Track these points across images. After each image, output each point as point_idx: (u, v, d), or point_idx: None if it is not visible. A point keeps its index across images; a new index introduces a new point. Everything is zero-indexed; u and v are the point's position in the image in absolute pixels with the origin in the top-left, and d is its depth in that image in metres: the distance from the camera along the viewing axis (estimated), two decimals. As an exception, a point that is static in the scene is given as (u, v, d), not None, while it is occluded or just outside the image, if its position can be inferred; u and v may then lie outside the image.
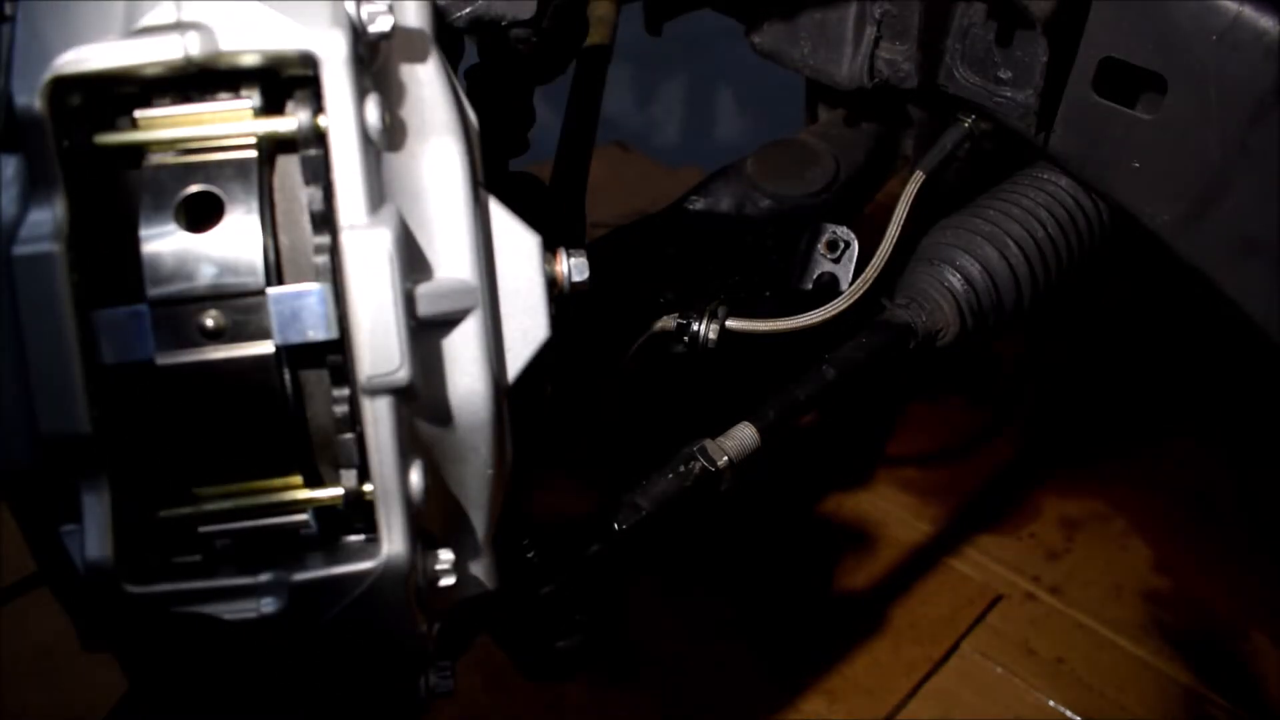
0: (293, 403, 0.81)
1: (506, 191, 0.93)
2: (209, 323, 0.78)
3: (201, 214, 0.79)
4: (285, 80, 0.81)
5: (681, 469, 1.25)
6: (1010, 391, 2.44)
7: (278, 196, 0.81)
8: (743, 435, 1.29)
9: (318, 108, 0.78)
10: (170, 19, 0.77)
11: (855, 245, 1.49)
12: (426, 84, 0.87)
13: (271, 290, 0.79)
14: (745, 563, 2.07)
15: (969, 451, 2.30)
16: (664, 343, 1.43)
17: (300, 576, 0.80)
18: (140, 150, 0.80)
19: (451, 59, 1.05)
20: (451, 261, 0.85)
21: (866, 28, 1.49)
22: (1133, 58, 1.27)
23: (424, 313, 0.81)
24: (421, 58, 0.87)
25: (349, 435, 0.81)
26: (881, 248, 1.44)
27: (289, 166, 0.81)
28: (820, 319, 1.38)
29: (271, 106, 0.81)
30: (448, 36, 1.20)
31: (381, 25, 0.81)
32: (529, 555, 1.18)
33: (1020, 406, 2.40)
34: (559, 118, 1.58)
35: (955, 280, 1.48)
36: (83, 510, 0.77)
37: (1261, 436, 2.23)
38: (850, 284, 1.44)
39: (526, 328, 0.91)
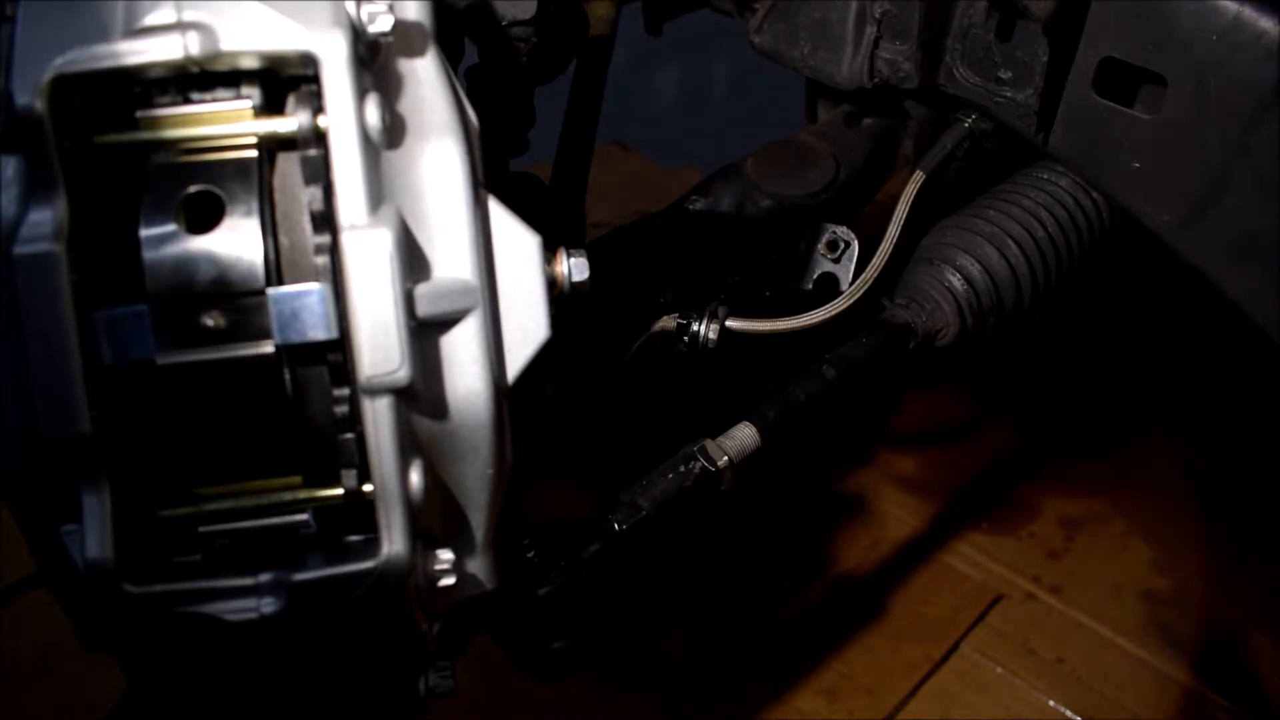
0: (293, 403, 0.81)
1: (506, 191, 0.92)
2: (209, 323, 0.78)
3: (202, 214, 0.79)
4: (286, 80, 0.81)
5: (681, 469, 1.25)
6: (1009, 386, 2.43)
7: (278, 196, 0.81)
8: (743, 435, 1.29)
9: (318, 108, 0.78)
10: (171, 19, 0.77)
11: (855, 245, 1.49)
12: (426, 83, 0.87)
13: (272, 290, 0.79)
14: (745, 562, 2.07)
15: (967, 444, 2.29)
16: (664, 343, 1.43)
17: (300, 576, 0.80)
18: (141, 150, 0.80)
19: (451, 59, 1.05)
20: (451, 261, 0.85)
21: (866, 27, 1.49)
22: (1133, 58, 1.27)
23: (424, 313, 0.81)
24: (421, 57, 0.87)
25: (349, 435, 0.81)
26: (881, 248, 1.44)
27: (289, 166, 0.81)
28: (820, 319, 1.38)
29: (272, 106, 0.81)
30: (448, 37, 1.20)
31: (382, 25, 0.81)
32: (529, 555, 1.18)
33: (1019, 404, 2.40)
34: (559, 118, 1.58)
35: (955, 280, 1.48)
36: (83, 510, 0.77)
37: (1262, 437, 2.23)
38: (850, 284, 1.44)
39: (526, 328, 0.91)
